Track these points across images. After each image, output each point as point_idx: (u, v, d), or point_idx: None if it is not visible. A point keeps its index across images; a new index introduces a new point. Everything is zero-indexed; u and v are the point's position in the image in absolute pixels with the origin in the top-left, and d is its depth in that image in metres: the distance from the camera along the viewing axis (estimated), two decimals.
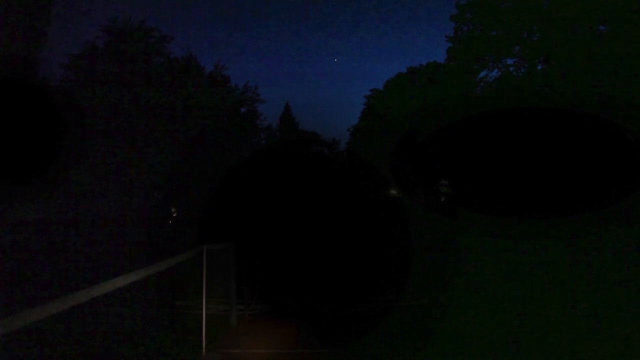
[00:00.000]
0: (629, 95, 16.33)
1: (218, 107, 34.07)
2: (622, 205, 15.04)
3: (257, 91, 40.58)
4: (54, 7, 27.17)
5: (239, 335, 5.40)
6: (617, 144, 17.35)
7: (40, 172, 20.63)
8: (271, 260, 10.08)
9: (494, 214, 17.22)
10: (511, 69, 23.36)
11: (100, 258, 13.95)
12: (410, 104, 31.24)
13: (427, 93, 29.78)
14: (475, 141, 23.44)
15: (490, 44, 23.08)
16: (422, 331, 5.31)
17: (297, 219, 16.10)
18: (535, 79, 21.12)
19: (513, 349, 4.42)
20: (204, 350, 4.49)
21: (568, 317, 5.30)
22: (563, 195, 17.76)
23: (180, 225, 30.84)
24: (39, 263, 12.83)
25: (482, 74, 24.87)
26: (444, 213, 20.84)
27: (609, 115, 16.80)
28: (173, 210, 34.87)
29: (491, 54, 23.40)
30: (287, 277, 8.75)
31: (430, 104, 27.85)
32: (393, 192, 31.04)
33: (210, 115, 33.67)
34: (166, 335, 4.17)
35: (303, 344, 4.94)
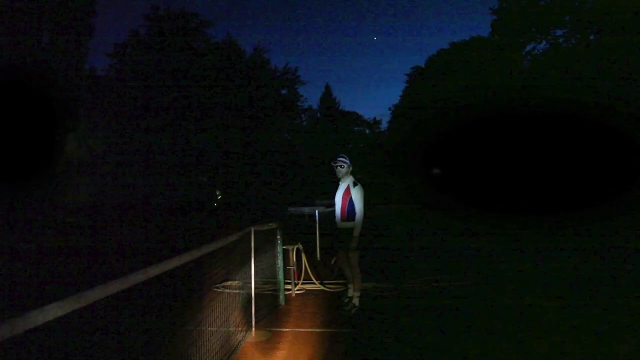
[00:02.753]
0: None
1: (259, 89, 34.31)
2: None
3: (297, 72, 40.55)
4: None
5: (287, 314, 5.54)
6: None
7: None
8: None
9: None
10: (561, 39, 22.13)
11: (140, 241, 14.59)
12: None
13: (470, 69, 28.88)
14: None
15: (538, 14, 21.90)
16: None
17: None
18: (587, 50, 20.00)
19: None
20: (253, 328, 4.66)
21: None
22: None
23: (226, 208, 31.48)
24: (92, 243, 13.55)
25: (530, 46, 23.77)
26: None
27: None
28: (218, 192, 35.60)
29: (539, 25, 22.23)
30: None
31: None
32: (436, 171, 30.47)
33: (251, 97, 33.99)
34: (218, 313, 4.34)
35: (348, 324, 5.01)
